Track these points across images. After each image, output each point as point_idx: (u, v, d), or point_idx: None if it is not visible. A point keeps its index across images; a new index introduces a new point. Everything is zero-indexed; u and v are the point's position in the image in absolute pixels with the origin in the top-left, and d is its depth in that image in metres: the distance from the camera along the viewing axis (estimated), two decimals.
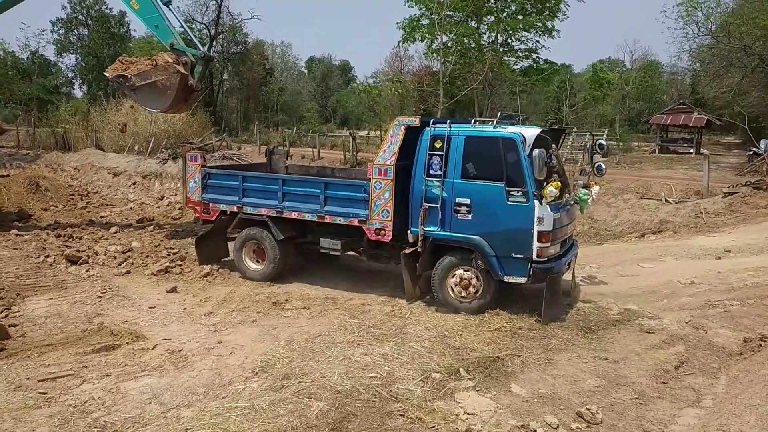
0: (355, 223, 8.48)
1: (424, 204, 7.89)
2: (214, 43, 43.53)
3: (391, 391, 5.22)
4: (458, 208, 7.70)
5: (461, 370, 5.71)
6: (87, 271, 9.39)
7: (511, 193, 7.34)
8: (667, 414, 5.04)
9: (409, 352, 6.10)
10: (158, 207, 16.88)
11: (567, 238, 8.14)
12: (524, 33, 33.40)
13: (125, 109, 28.61)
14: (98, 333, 6.57)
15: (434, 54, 33.24)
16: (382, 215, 8.19)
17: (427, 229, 7.91)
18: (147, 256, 10.30)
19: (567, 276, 8.44)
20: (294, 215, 9.00)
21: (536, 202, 7.15)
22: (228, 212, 9.69)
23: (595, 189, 8.50)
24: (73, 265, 9.62)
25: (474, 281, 7.73)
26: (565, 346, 6.54)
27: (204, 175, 9.92)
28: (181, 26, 12.70)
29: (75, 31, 51.81)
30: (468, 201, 7.64)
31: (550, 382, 5.61)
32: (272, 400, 4.95)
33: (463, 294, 7.79)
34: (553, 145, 7.26)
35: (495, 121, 7.88)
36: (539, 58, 35.06)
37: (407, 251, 8.06)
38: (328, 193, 8.73)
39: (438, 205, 7.80)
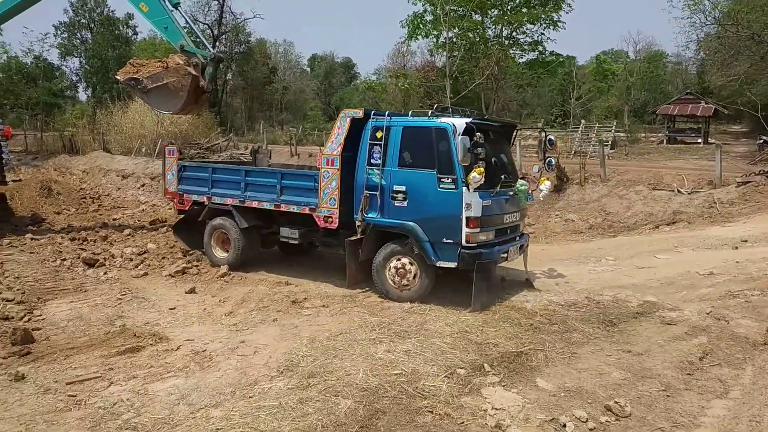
0: (307, 211, 8.95)
1: (365, 192, 8.28)
2: (217, 44, 43.60)
3: (417, 387, 5.22)
4: (395, 195, 8.05)
5: (485, 365, 5.70)
6: (104, 273, 9.43)
7: (442, 180, 7.64)
8: (696, 406, 5.02)
9: (432, 349, 6.11)
10: (170, 208, 16.85)
11: (508, 227, 8.36)
12: (529, 26, 33.25)
13: (131, 111, 28.74)
14: (121, 335, 6.59)
15: (440, 49, 33.16)
16: (330, 203, 8.64)
17: (368, 216, 8.30)
18: (163, 258, 10.33)
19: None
20: (255, 204, 9.58)
21: (464, 189, 7.42)
22: (199, 202, 10.38)
23: (546, 184, 8.82)
24: (91, 268, 9.66)
25: (409, 267, 8.02)
26: (588, 340, 6.53)
27: (179, 168, 10.69)
28: (190, 28, 12.72)
29: (78, 34, 51.96)
30: (404, 188, 7.99)
31: (575, 375, 5.60)
32: (299, 398, 4.96)
33: (402, 282, 8.07)
34: (478, 134, 7.45)
35: (430, 113, 8.27)
36: (545, 50, 34.92)
37: (352, 239, 8.43)
38: (284, 182, 9.27)
39: (377, 193, 8.18)
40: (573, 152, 26.17)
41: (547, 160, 8.94)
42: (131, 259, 10.20)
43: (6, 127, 14.67)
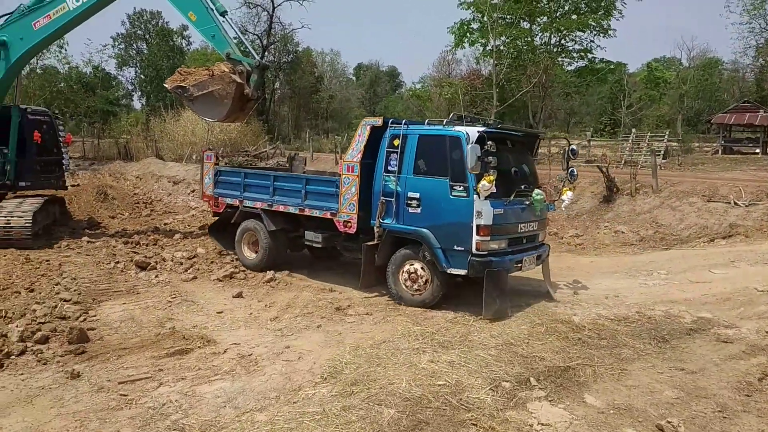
0: (328, 215, 9.22)
1: (382, 198, 8.48)
2: (266, 53, 44.52)
3: (460, 399, 5.16)
4: (410, 201, 8.22)
5: (531, 379, 5.59)
6: (156, 276, 9.71)
7: (454, 187, 7.75)
8: (755, 429, 4.79)
9: (476, 360, 6.03)
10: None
11: (524, 237, 8.34)
12: (578, 33, 32.67)
13: (183, 119, 29.60)
14: (171, 337, 6.77)
15: (487, 57, 32.95)
16: (349, 209, 8.86)
17: (384, 221, 8.49)
18: (212, 262, 10.56)
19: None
20: (281, 208, 9.99)
21: (476, 197, 7.47)
22: (233, 205, 10.90)
23: (568, 194, 8.79)
24: (143, 271, 9.97)
25: (421, 273, 8.16)
26: (638, 356, 6.33)
27: (216, 173, 11.30)
28: (237, 36, 12.94)
29: (134, 45, 53.98)
30: (418, 195, 8.16)
31: (624, 393, 5.43)
32: (343, 405, 4.97)
33: (414, 287, 8.23)
34: (490, 143, 7.41)
35: (445, 121, 8.39)
36: (594, 57, 34.22)
37: (369, 243, 8.63)
38: (308, 188, 9.65)
39: (393, 199, 8.38)
40: (623, 162, 25.53)
41: (569, 170, 8.98)
42: (181, 263, 10.47)
43: (67, 135, 15.31)
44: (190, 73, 11.55)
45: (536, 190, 8.28)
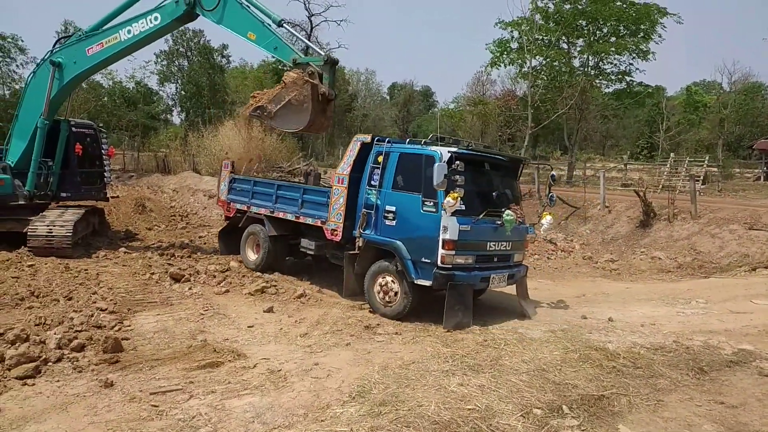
0: (318, 224, 9.89)
1: (364, 210, 9.08)
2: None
3: (491, 425, 5.06)
4: (387, 214, 8.75)
5: (564, 407, 5.46)
6: (189, 289, 9.83)
7: (425, 203, 8.26)
8: None
9: (507, 385, 5.92)
10: None
11: (495, 255, 8.70)
12: (617, 56, 32.27)
13: (220, 135, 30.18)
14: (202, 349, 6.83)
15: (523, 78, 32.82)
16: (337, 218, 9.46)
17: (365, 232, 9.04)
18: (244, 276, 10.67)
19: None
20: (281, 215, 10.80)
21: (443, 212, 7.86)
22: (242, 210, 11.85)
23: (547, 218, 9.35)
24: (177, 283, 10.11)
25: (392, 285, 8.65)
26: (675, 387, 6.13)
27: (230, 180, 12.36)
28: (302, 41, 12.56)
29: (176, 62, 55.48)
30: (394, 209, 8.68)
31: (661, 425, 5.26)
32: (371, 426, 4.92)
33: (386, 298, 8.72)
34: (458, 162, 7.91)
35: (423, 141, 8.88)
36: (632, 81, 33.72)
37: (351, 252, 9.23)
38: (305, 197, 10.46)
39: (373, 212, 8.93)
40: (661, 186, 25.03)
41: (549, 196, 9.68)
42: (214, 276, 10.60)
43: (110, 148, 15.77)
44: (264, 94, 11.29)
45: (507, 211, 8.52)
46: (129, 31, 11.91)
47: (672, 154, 29.57)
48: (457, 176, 7.87)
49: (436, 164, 7.74)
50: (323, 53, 11.14)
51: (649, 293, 10.82)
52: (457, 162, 7.93)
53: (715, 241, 14.23)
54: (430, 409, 5.28)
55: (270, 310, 8.74)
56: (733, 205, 17.53)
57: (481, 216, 8.22)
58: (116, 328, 7.43)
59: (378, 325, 8.10)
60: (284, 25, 11.71)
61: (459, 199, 7.75)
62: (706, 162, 29.39)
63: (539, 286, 11.68)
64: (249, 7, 11.19)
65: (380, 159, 8.97)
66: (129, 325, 7.67)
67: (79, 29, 12.69)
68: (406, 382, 5.94)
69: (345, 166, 9.47)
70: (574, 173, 31.14)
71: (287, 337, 7.57)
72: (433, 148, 8.43)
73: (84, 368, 6.16)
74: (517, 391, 5.78)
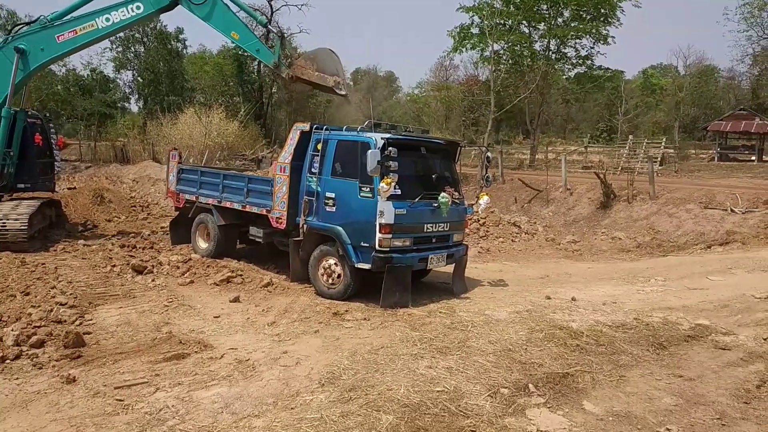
0: (264, 212, 9.99)
1: (305, 197, 9.22)
2: None
3: (459, 405, 5.14)
4: (327, 201, 8.93)
5: (530, 385, 5.57)
6: (152, 280, 9.66)
7: (362, 188, 8.41)
8: None
9: (475, 366, 6.01)
10: None
11: (432, 236, 8.89)
12: (577, 40, 32.72)
13: (181, 123, 29.59)
14: (167, 342, 6.72)
15: (485, 63, 32.98)
16: (281, 206, 9.60)
17: (308, 219, 9.18)
18: (208, 266, 10.50)
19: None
20: (228, 204, 10.88)
21: (379, 197, 8.03)
22: (191, 201, 11.86)
23: (484, 199, 9.70)
24: (139, 275, 9.91)
25: (335, 267, 8.84)
26: (636, 362, 6.32)
27: (179, 171, 12.33)
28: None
29: (132, 48, 53.77)
30: (333, 195, 8.86)
31: (623, 399, 5.42)
32: (341, 412, 4.94)
33: (329, 281, 8.92)
34: (390, 149, 8.00)
35: (359, 128, 8.95)
36: (593, 64, 34.26)
37: (295, 239, 9.38)
38: (250, 186, 10.48)
39: (314, 199, 9.09)
40: (620, 168, 25.61)
41: (485, 177, 10.03)
42: (178, 267, 10.42)
43: (59, 138, 15.34)
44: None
45: (442, 194, 8.65)
46: (108, 19, 11.88)
47: (630, 137, 30.25)
48: (391, 162, 8.01)
49: (369, 151, 7.89)
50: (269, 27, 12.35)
51: (610, 272, 11.10)
52: (391, 148, 8.04)
53: (672, 220, 14.66)
54: (399, 392, 5.32)
55: (236, 299, 8.64)
56: (689, 185, 18.08)
57: (417, 199, 8.44)
58: (77, 322, 7.26)
59: (346, 311, 8.10)
60: (270, 26, 12.36)
61: (393, 184, 7.92)
62: (663, 144, 30.16)
63: (504, 269, 11.87)
64: (236, 7, 11.85)
65: (319, 147, 9.10)
66: (90, 319, 7.49)
67: (42, 15, 12.32)
68: (376, 367, 5.97)
69: (286, 155, 9.59)
70: (537, 157, 31.59)
71: (255, 326, 7.51)
72: (369, 134, 8.55)
73: (44, 364, 6.00)
74: (484, 372, 5.87)
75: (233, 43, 12.41)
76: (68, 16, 12.11)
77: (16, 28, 12.87)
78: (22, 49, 11.90)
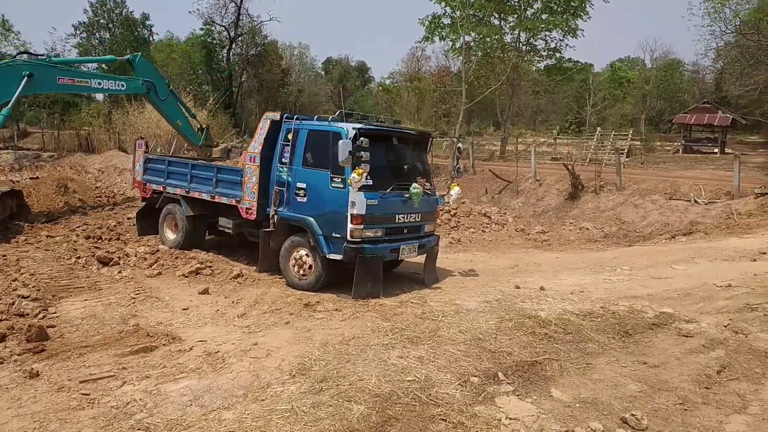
0: (233, 203, 9.89)
1: (276, 187, 9.14)
2: (233, 46, 43.82)
3: (430, 395, 5.17)
4: (298, 191, 8.86)
5: (499, 374, 5.64)
6: (119, 272, 9.47)
7: (334, 179, 8.35)
8: (714, 420, 4.92)
9: (445, 356, 6.06)
10: None
11: (404, 227, 8.90)
12: (547, 33, 33.00)
13: (147, 111, 28.92)
14: (135, 334, 6.61)
15: (456, 54, 33.04)
16: (251, 197, 9.52)
17: (278, 209, 9.10)
18: (177, 258, 10.34)
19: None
20: (197, 195, 10.76)
21: (350, 188, 7.98)
22: (158, 191, 11.74)
23: (456, 189, 9.78)
24: (105, 267, 9.71)
25: (306, 258, 8.80)
26: (603, 350, 6.44)
27: (145, 160, 12.25)
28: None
29: (97, 34, 52.28)
30: (305, 185, 8.79)
31: (590, 386, 5.53)
32: (312, 403, 4.93)
33: (300, 272, 8.86)
34: (362, 139, 8.02)
35: (330, 118, 8.93)
36: (562, 57, 34.65)
37: (266, 229, 9.25)
38: (219, 176, 10.39)
39: (285, 189, 9.01)
40: (588, 160, 26.01)
41: (456, 167, 10.09)
42: (145, 258, 10.25)
43: None
44: None
45: (414, 184, 8.65)
46: (99, 83, 14.62)
47: (598, 129, 30.76)
48: (363, 152, 7.99)
49: (341, 141, 7.85)
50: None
51: (578, 262, 11.30)
52: (362, 138, 8.03)
53: (638, 211, 14.98)
54: (371, 382, 5.33)
55: (205, 291, 8.54)
56: (655, 176, 18.49)
57: (388, 190, 8.42)
58: (40, 315, 7.10)
59: (318, 302, 8.06)
60: (195, 116, 16.82)
61: (364, 174, 7.88)
62: (630, 136, 30.73)
63: (475, 259, 11.98)
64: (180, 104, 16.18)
65: (290, 136, 9.01)
66: (54, 312, 7.33)
67: (48, 56, 14.74)
68: (347, 358, 5.97)
69: (256, 145, 9.49)
70: (507, 148, 31.88)
71: (224, 318, 7.43)
72: (340, 124, 8.49)
73: (6, 359, 5.85)
74: (454, 361, 5.92)
75: (177, 130, 16.16)
76: (73, 66, 14.75)
77: (24, 56, 15.15)
78: (31, 74, 13.00)
